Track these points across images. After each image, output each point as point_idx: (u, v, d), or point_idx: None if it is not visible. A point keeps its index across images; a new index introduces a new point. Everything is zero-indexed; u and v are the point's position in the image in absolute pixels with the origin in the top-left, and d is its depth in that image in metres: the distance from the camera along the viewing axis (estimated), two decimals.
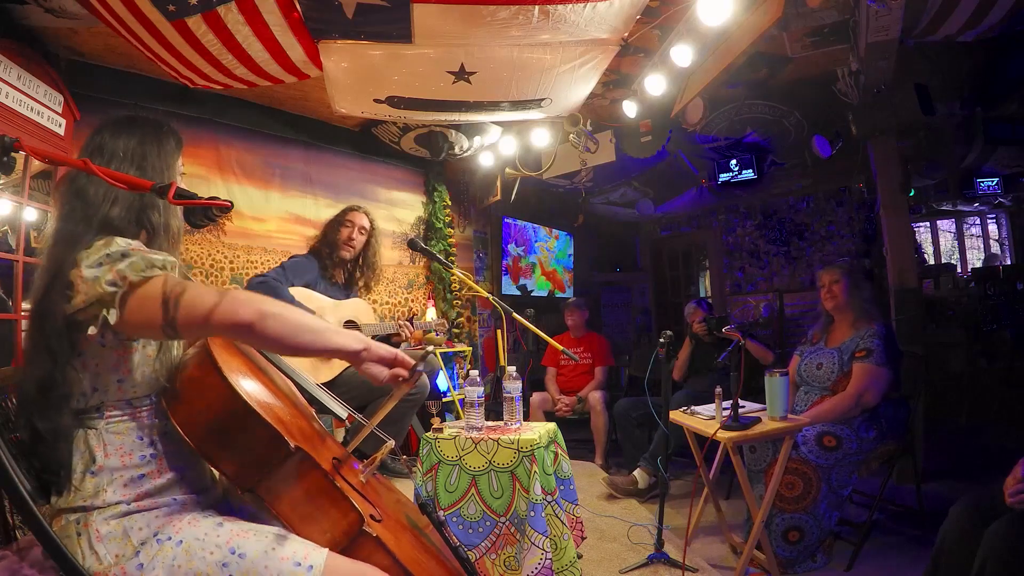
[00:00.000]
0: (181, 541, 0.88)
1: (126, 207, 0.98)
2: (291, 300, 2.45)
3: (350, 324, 2.69)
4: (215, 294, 0.88)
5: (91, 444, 0.91)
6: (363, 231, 2.83)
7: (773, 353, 3.17)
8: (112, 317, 0.87)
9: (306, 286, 2.63)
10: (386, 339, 2.80)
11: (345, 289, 2.83)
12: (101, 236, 0.93)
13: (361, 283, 2.89)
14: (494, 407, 2.19)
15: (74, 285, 0.89)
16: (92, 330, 0.89)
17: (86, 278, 0.87)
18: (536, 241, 6.11)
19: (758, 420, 2.02)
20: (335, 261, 2.78)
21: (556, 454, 1.97)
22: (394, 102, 3.19)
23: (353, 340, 0.98)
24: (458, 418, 3.93)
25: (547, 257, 6.25)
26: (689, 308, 3.67)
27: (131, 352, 0.95)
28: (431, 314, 4.57)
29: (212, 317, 0.86)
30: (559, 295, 6.27)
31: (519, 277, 5.83)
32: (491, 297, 2.16)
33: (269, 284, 2.47)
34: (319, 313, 2.54)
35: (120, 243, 0.91)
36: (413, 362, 1.05)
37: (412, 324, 2.87)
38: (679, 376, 3.48)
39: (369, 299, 4.33)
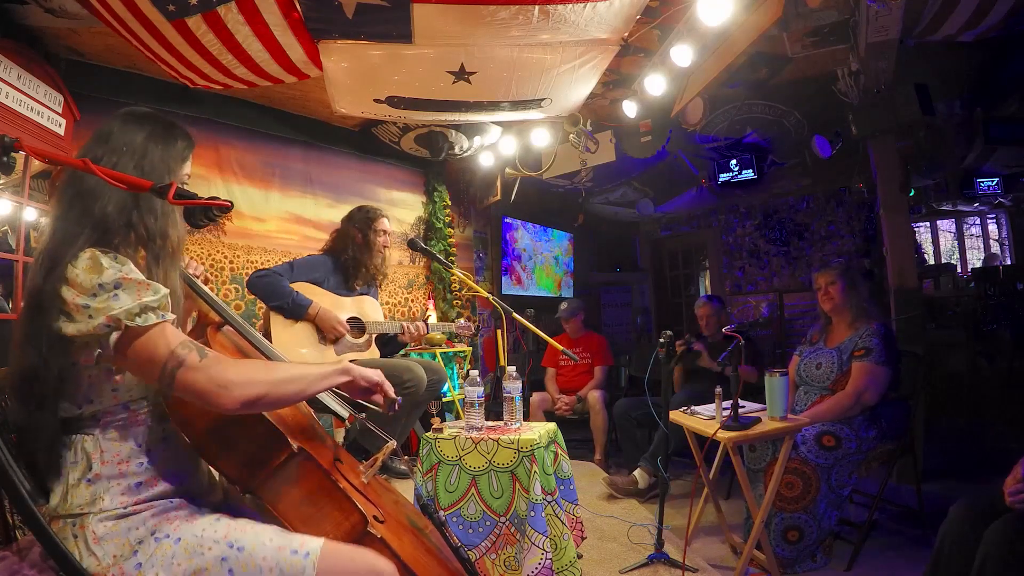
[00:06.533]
0: (180, 539, 0.88)
1: (119, 207, 0.93)
2: (290, 294, 2.51)
3: (354, 321, 2.69)
4: (212, 374, 0.87)
5: (88, 451, 0.90)
6: (390, 236, 2.88)
7: (757, 373, 3.02)
8: (105, 355, 0.88)
9: (313, 282, 2.65)
10: (393, 338, 2.81)
11: (359, 290, 2.83)
12: (93, 237, 0.90)
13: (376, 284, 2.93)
14: (494, 407, 2.18)
15: (66, 304, 0.85)
16: (86, 357, 0.89)
17: (79, 306, 0.84)
18: (536, 241, 6.11)
19: (758, 420, 2.02)
20: (365, 269, 2.77)
21: (556, 454, 1.97)
22: (394, 102, 3.19)
23: (337, 375, 1.03)
24: (458, 418, 3.93)
25: (547, 257, 6.25)
26: (699, 303, 3.61)
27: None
28: (432, 318, 4.57)
29: (210, 399, 0.87)
30: (557, 294, 6.27)
31: (521, 278, 5.83)
32: (491, 297, 2.16)
33: (269, 278, 2.53)
34: (319, 307, 2.57)
35: (109, 268, 0.86)
36: (393, 396, 1.11)
37: (427, 326, 2.85)
38: (676, 387, 3.45)
39: None
